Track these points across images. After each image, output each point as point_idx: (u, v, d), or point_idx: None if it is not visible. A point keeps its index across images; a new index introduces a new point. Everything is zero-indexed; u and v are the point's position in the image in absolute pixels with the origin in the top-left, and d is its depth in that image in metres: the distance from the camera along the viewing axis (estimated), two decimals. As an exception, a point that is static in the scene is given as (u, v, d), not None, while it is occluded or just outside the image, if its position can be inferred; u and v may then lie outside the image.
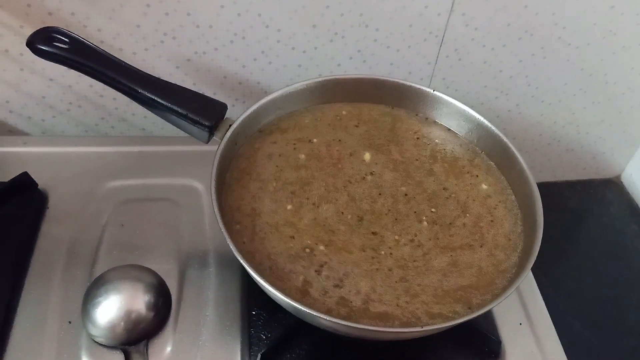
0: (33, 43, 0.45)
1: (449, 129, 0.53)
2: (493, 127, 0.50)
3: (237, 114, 0.48)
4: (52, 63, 0.46)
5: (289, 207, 0.46)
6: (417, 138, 0.52)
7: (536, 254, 0.41)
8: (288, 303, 0.38)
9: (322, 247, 0.44)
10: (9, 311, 0.45)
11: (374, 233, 0.45)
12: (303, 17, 0.56)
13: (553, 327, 0.50)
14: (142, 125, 0.64)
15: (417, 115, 0.54)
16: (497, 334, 0.48)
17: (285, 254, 0.43)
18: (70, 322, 0.45)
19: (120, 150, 0.59)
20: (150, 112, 0.48)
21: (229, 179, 0.47)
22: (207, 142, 0.47)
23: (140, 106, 0.47)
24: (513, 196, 0.48)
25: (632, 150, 0.76)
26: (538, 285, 0.53)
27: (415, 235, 0.45)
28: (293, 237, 0.44)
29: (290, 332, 0.45)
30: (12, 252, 0.49)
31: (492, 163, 0.51)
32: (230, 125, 0.47)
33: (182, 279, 0.49)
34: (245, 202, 0.46)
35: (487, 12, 0.58)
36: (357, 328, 0.38)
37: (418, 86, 0.53)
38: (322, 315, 0.37)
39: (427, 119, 0.54)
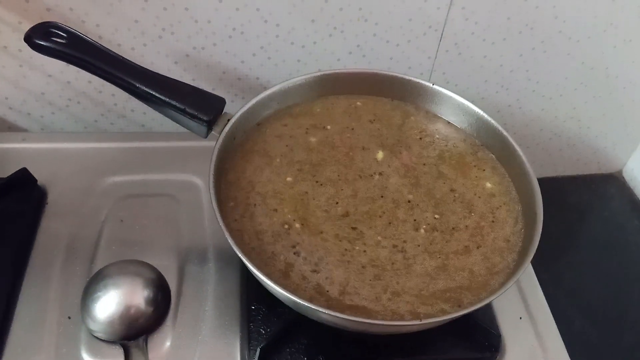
0: (31, 38, 0.45)
1: (449, 123, 0.53)
2: (493, 121, 0.50)
3: (236, 110, 0.48)
4: (50, 59, 0.46)
5: (289, 179, 0.47)
6: (420, 138, 0.51)
7: (536, 246, 0.41)
8: (288, 297, 0.38)
9: (297, 225, 0.44)
10: (8, 306, 0.45)
11: (353, 228, 0.45)
12: (302, 12, 0.56)
13: (553, 321, 0.50)
14: (142, 122, 0.64)
15: (419, 110, 0.54)
16: (497, 328, 0.48)
17: (269, 232, 0.44)
18: (69, 317, 0.45)
19: (119, 146, 0.59)
20: (149, 107, 0.47)
21: (233, 158, 0.48)
22: (206, 136, 0.47)
23: (140, 102, 0.47)
24: (518, 199, 0.48)
25: (633, 144, 0.76)
26: (539, 280, 0.53)
27: (404, 242, 0.44)
28: (276, 210, 0.45)
29: (290, 327, 0.45)
30: (11, 248, 0.49)
31: (493, 156, 0.51)
32: (228, 120, 0.47)
33: (181, 274, 0.49)
34: (245, 175, 0.47)
35: (487, 6, 0.57)
36: (355, 321, 0.38)
37: (417, 80, 0.53)
38: (321, 309, 0.37)
39: (427, 112, 0.54)
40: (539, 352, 0.47)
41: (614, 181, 0.79)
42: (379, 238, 0.44)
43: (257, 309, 0.46)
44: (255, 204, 0.45)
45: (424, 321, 0.37)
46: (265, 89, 0.51)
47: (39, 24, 0.46)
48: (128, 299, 0.44)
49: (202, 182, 0.56)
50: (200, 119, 0.45)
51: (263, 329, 0.45)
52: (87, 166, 0.56)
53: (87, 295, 0.45)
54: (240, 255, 0.39)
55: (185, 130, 0.48)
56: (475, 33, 0.60)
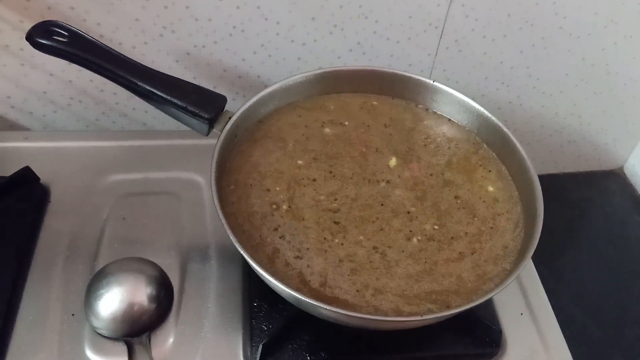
0: (32, 37, 0.45)
1: (450, 120, 0.53)
2: (493, 117, 0.50)
3: (237, 108, 0.48)
4: (52, 58, 0.46)
5: (300, 162, 0.47)
6: (425, 145, 0.51)
7: (536, 243, 0.41)
8: (288, 292, 0.38)
9: (285, 207, 0.45)
10: (12, 304, 0.46)
11: (336, 222, 0.45)
12: (302, 9, 0.56)
13: (554, 316, 0.50)
14: (143, 120, 0.64)
15: (426, 110, 0.54)
16: (498, 324, 0.48)
17: (259, 214, 0.44)
18: (73, 315, 0.46)
19: (121, 145, 0.59)
20: (150, 106, 0.48)
21: (241, 146, 0.48)
22: (207, 134, 0.47)
23: (141, 101, 0.47)
24: (520, 204, 0.47)
25: (634, 141, 0.76)
26: (540, 276, 0.53)
27: (388, 247, 0.44)
28: (269, 190, 0.45)
29: (291, 323, 0.45)
30: (14, 246, 0.49)
31: (495, 154, 0.51)
32: (229, 118, 0.47)
33: (183, 272, 0.49)
34: (251, 159, 0.48)
35: (487, 3, 0.57)
36: (355, 317, 0.38)
37: (418, 77, 0.53)
38: (322, 305, 0.37)
39: (427, 110, 0.54)
40: (540, 348, 0.48)
41: (615, 177, 0.79)
42: (361, 237, 0.44)
43: (259, 306, 0.47)
44: (251, 184, 0.46)
45: (424, 317, 0.37)
46: (266, 86, 0.51)
47: (40, 22, 0.46)
48: (131, 296, 0.45)
49: (203, 180, 0.56)
50: (201, 117, 0.45)
51: (265, 326, 0.45)
52: (89, 164, 0.57)
53: (90, 292, 0.45)
54: (242, 251, 0.39)
55: (186, 128, 0.48)
56: (476, 30, 0.60)
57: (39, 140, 0.59)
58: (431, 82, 0.52)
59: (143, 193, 0.55)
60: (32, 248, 0.49)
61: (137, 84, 0.45)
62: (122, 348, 0.44)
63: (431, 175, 0.48)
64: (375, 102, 0.54)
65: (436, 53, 0.62)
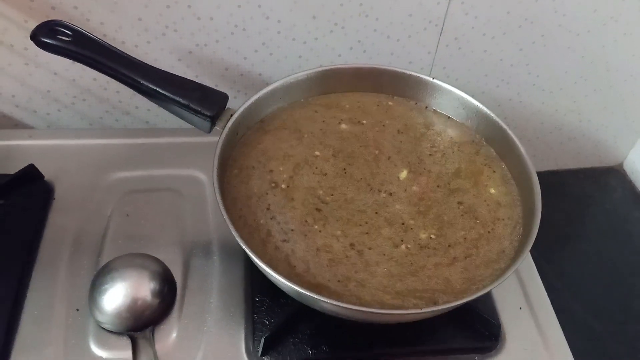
0: (37, 36, 0.46)
1: (449, 118, 0.54)
2: (492, 114, 0.51)
3: (238, 106, 0.49)
4: (56, 57, 0.47)
5: (317, 152, 0.48)
6: (430, 154, 0.50)
7: (534, 236, 0.41)
8: (284, 283, 0.39)
9: (283, 186, 0.46)
10: (17, 300, 0.46)
11: (318, 210, 0.45)
12: (303, 8, 0.56)
13: (553, 311, 0.50)
14: (146, 118, 0.65)
15: (433, 111, 0.54)
16: (497, 318, 0.48)
17: (257, 195, 0.45)
18: (77, 310, 0.46)
19: (124, 142, 0.60)
20: (153, 104, 0.48)
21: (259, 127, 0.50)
22: (209, 132, 0.48)
23: (144, 99, 0.48)
24: (520, 207, 0.47)
25: (634, 137, 0.76)
26: (540, 272, 0.53)
27: (369, 249, 0.44)
28: (272, 171, 0.47)
29: (293, 317, 0.45)
30: (19, 242, 0.50)
31: (493, 150, 0.51)
32: (231, 115, 0.47)
33: (186, 267, 0.50)
34: (261, 146, 0.49)
35: (487, 0, 0.58)
36: (354, 310, 0.38)
37: (417, 74, 0.53)
38: (320, 297, 0.38)
39: (426, 107, 0.54)
40: (539, 341, 0.48)
41: (615, 174, 0.79)
42: (339, 232, 0.44)
43: (261, 301, 0.47)
44: (254, 166, 0.47)
45: (423, 310, 0.38)
46: (268, 84, 0.51)
47: (44, 22, 0.46)
48: (135, 291, 0.45)
49: (206, 177, 0.57)
50: (203, 114, 0.46)
51: (267, 320, 0.46)
52: (93, 162, 0.57)
53: (95, 287, 0.46)
54: (244, 247, 0.40)
55: (189, 126, 0.48)
56: (475, 27, 0.60)
57: (43, 138, 0.59)
58: (431, 79, 0.53)
59: (146, 190, 0.55)
60: (37, 244, 0.50)
61: (140, 82, 0.46)
62: (126, 342, 0.45)
63: (438, 187, 0.48)
64: (390, 103, 0.54)
65: (436, 51, 0.62)
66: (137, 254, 0.49)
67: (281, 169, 0.48)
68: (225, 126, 0.47)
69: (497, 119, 0.50)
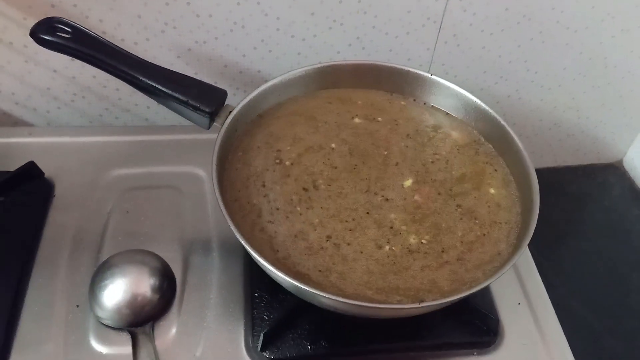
0: (36, 33, 0.46)
1: (448, 114, 0.54)
2: (490, 109, 0.51)
3: (237, 102, 0.49)
4: (55, 54, 0.47)
5: (333, 145, 0.49)
6: (433, 162, 0.50)
7: (532, 232, 0.41)
8: (288, 281, 0.39)
9: (287, 163, 0.47)
10: (17, 297, 0.47)
11: (304, 189, 0.46)
12: (302, 5, 0.56)
13: (551, 306, 0.50)
14: (145, 116, 0.65)
15: (431, 106, 0.54)
16: (496, 313, 0.49)
17: (256, 174, 0.46)
18: (77, 306, 0.46)
19: (123, 140, 0.60)
20: (152, 101, 0.48)
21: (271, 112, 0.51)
22: (208, 128, 0.48)
23: (143, 97, 0.48)
24: (519, 206, 0.47)
25: (633, 134, 0.76)
26: (539, 269, 0.53)
27: (347, 244, 0.43)
28: (280, 150, 0.48)
29: (292, 313, 0.46)
30: (20, 240, 0.50)
31: (491, 146, 0.51)
32: (230, 112, 0.47)
33: (186, 264, 0.50)
34: (272, 128, 0.50)
35: (485, -3, 0.58)
36: (350, 304, 0.38)
37: (416, 71, 0.53)
38: (319, 292, 0.38)
39: (424, 103, 0.55)
40: (537, 336, 0.48)
41: (614, 171, 0.79)
42: (316, 221, 0.44)
43: (260, 296, 0.47)
44: (259, 147, 0.47)
45: (422, 305, 0.38)
46: (267, 81, 0.51)
47: (43, 19, 0.47)
48: (135, 287, 0.46)
49: (205, 174, 0.57)
50: (202, 110, 0.46)
51: (266, 315, 0.46)
52: (92, 159, 0.57)
53: (95, 283, 0.46)
54: (236, 234, 0.40)
55: (188, 123, 0.49)
56: (474, 24, 0.60)
57: (43, 135, 0.60)
58: (429, 75, 0.53)
59: (146, 187, 0.56)
60: (37, 241, 0.50)
61: (139, 79, 0.46)
62: (126, 338, 0.45)
63: (439, 194, 0.47)
64: (403, 102, 0.54)
65: (435, 47, 0.62)
66: (137, 250, 0.49)
67: (289, 148, 0.48)
68: (224, 122, 0.47)
69: (496, 115, 0.50)
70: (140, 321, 0.45)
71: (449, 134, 0.52)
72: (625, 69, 0.67)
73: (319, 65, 0.53)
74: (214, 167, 0.44)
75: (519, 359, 0.47)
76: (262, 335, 0.44)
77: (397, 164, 0.49)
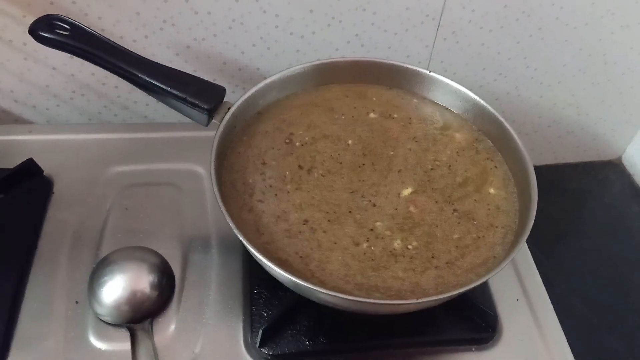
0: (35, 30, 0.46)
1: (446, 108, 0.54)
2: (488, 106, 0.51)
3: (236, 99, 0.49)
4: (54, 52, 0.47)
5: (350, 141, 0.49)
6: (433, 169, 0.49)
7: (530, 227, 0.41)
8: (286, 277, 0.39)
9: (297, 144, 0.47)
10: (17, 293, 0.47)
11: (300, 167, 0.46)
12: (300, 2, 0.56)
13: (550, 302, 0.50)
14: (144, 113, 0.65)
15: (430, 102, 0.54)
16: (494, 309, 0.49)
17: (259, 155, 0.47)
18: (77, 302, 0.47)
19: (123, 137, 0.60)
20: (151, 99, 0.49)
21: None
22: (207, 125, 0.48)
23: (142, 94, 0.48)
24: (518, 204, 0.46)
25: (633, 131, 0.76)
26: (538, 266, 0.53)
27: (323, 231, 0.43)
28: (292, 134, 0.48)
29: (291, 309, 0.46)
30: (19, 236, 0.50)
31: (491, 142, 0.51)
32: (229, 108, 0.47)
33: (185, 260, 0.50)
34: (284, 116, 0.50)
35: (484, -7, 0.58)
36: (347, 299, 0.38)
37: (414, 68, 0.53)
38: (317, 288, 0.38)
39: (424, 99, 0.55)
40: (535, 332, 0.48)
41: (614, 168, 0.79)
42: (298, 201, 0.45)
43: (259, 293, 0.47)
44: (266, 131, 0.48)
45: (420, 300, 0.38)
46: (266, 78, 0.51)
47: (42, 16, 0.47)
48: (134, 283, 0.46)
49: (204, 171, 0.57)
50: (201, 107, 0.46)
51: (265, 312, 0.46)
52: (91, 157, 0.57)
53: (94, 280, 0.46)
54: (242, 240, 0.40)
55: (187, 120, 0.49)
56: (473, 21, 0.60)
57: (42, 133, 0.60)
58: (428, 72, 0.53)
59: (145, 184, 0.56)
60: (36, 239, 0.50)
61: (138, 76, 0.46)
62: (125, 334, 0.45)
63: (436, 202, 0.46)
64: (415, 100, 0.54)
65: (433, 44, 0.62)
66: (136, 247, 0.49)
67: (301, 132, 0.49)
68: (222, 119, 0.47)
69: (495, 112, 0.50)
70: (139, 318, 0.45)
71: (454, 136, 0.51)
72: (625, 65, 0.67)
73: (317, 62, 0.53)
74: (213, 163, 0.44)
75: (518, 355, 0.47)
76: (260, 331, 0.44)
77: (399, 170, 0.48)
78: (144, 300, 0.45)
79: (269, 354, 0.45)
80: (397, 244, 0.43)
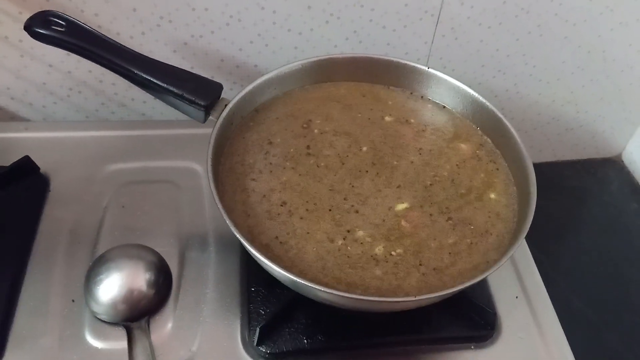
0: (31, 27, 0.45)
1: (444, 106, 0.54)
2: (487, 102, 0.50)
3: (233, 96, 0.49)
4: (51, 49, 0.47)
5: (364, 148, 0.49)
6: (432, 185, 0.47)
7: (529, 224, 0.41)
8: (284, 275, 0.39)
9: (315, 131, 0.47)
10: (13, 291, 0.46)
11: (308, 147, 0.47)
12: (298, -2, 0.56)
13: (549, 299, 0.50)
14: (142, 110, 0.65)
15: (428, 99, 0.54)
16: (493, 307, 0.48)
17: (262, 138, 0.48)
18: (73, 301, 0.46)
19: (120, 134, 0.60)
20: (148, 96, 0.48)
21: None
22: (204, 121, 0.47)
23: (140, 91, 0.48)
24: (517, 202, 0.46)
25: (632, 128, 0.76)
26: (538, 264, 0.53)
27: (300, 218, 0.43)
28: (310, 120, 0.49)
29: (288, 307, 0.45)
30: (15, 234, 0.50)
31: (490, 141, 0.51)
32: (226, 105, 0.47)
33: (182, 258, 0.50)
34: (298, 106, 0.51)
35: (483, -10, 0.58)
36: (345, 297, 0.38)
37: (412, 64, 0.53)
38: (315, 285, 0.38)
39: (422, 97, 0.54)
40: (535, 330, 0.48)
41: (613, 165, 0.79)
42: (284, 179, 0.46)
43: (256, 291, 0.47)
44: (277, 118, 0.49)
45: (417, 297, 0.38)
46: (263, 75, 0.51)
47: (38, 12, 0.46)
48: (130, 281, 0.45)
49: (201, 168, 0.57)
50: (198, 104, 0.46)
51: (262, 310, 0.46)
52: (88, 154, 0.57)
53: (90, 278, 0.46)
54: (239, 237, 0.40)
55: (184, 117, 0.48)
56: (471, 17, 0.60)
57: (39, 130, 0.59)
58: (426, 68, 0.53)
59: (142, 182, 0.55)
60: (32, 237, 0.50)
61: (135, 73, 0.46)
62: (121, 332, 0.45)
63: (430, 215, 0.45)
64: (429, 104, 0.53)
65: (432, 41, 0.62)
66: (133, 244, 0.49)
67: (318, 121, 0.50)
68: (219, 116, 0.47)
69: (494, 109, 0.50)
70: (135, 316, 0.45)
71: (459, 148, 0.50)
72: (623, 62, 0.67)
73: (315, 59, 0.53)
74: (209, 160, 0.44)
75: (517, 352, 0.47)
76: (258, 329, 0.44)
77: (398, 186, 0.47)
78: (141, 298, 0.45)
79: (267, 352, 0.44)
80: (378, 249, 0.43)
